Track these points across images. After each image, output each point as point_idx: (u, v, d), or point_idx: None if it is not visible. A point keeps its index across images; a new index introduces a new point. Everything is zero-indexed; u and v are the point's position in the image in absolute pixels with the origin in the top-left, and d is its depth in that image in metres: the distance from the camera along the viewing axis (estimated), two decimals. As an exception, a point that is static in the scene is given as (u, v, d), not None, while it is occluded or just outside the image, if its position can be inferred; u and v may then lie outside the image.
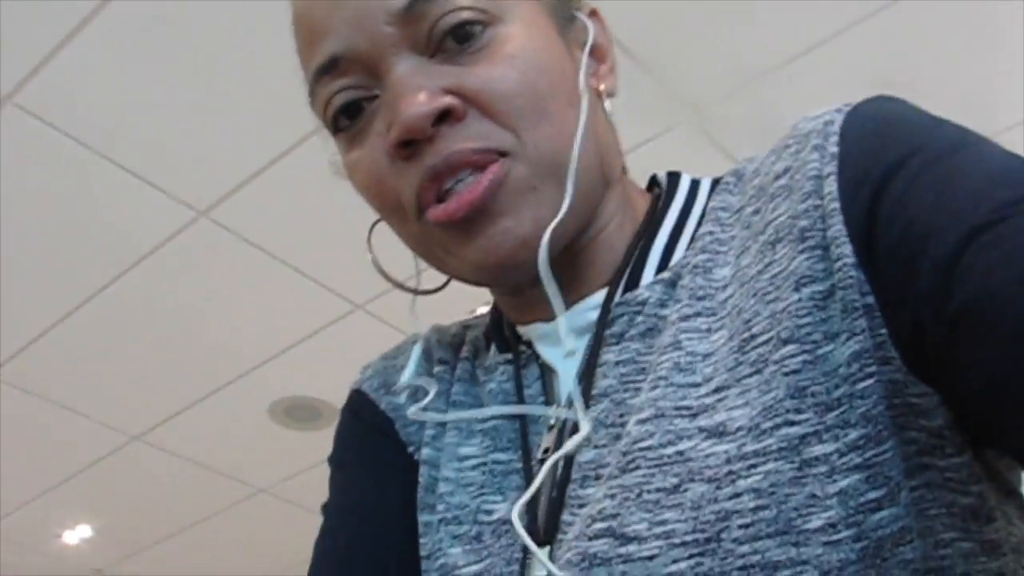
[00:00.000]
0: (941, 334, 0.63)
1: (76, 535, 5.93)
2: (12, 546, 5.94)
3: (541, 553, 0.76)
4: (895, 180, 0.69)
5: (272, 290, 3.91)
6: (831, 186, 0.72)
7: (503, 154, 0.77)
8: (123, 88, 3.02)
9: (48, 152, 3.26)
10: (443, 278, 0.92)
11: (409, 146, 0.77)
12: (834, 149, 0.74)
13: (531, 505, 0.81)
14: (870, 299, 0.68)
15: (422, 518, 0.90)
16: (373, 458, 0.98)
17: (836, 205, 0.71)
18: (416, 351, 0.96)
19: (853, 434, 0.68)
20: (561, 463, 0.81)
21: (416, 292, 0.95)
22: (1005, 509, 0.73)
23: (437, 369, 0.98)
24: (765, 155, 0.84)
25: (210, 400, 4.61)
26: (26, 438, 4.92)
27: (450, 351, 1.00)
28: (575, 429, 0.81)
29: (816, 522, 0.66)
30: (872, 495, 0.66)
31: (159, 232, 3.65)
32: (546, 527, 0.79)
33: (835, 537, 0.66)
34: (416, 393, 0.96)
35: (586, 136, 0.81)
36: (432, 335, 1.03)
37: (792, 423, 0.69)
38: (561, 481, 0.80)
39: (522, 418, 0.88)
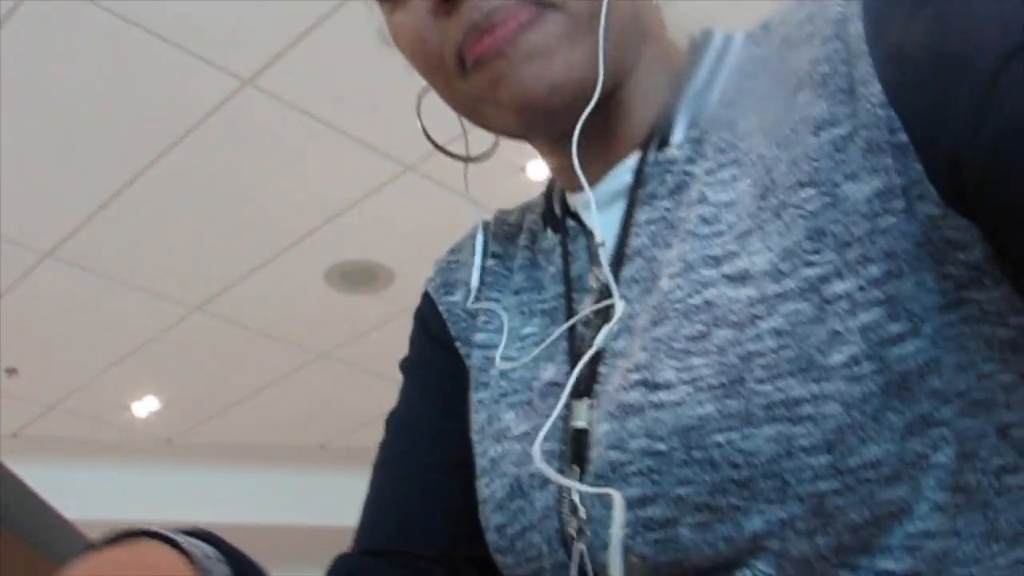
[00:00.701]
0: (980, 160, 0.62)
1: (144, 407, 6.06)
2: (85, 420, 6.09)
3: (581, 404, 0.80)
4: (921, 13, 0.67)
5: (322, 155, 3.90)
6: (856, 27, 0.71)
7: (543, 5, 0.77)
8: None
9: (89, 29, 3.24)
10: (490, 141, 0.94)
11: (451, 0, 0.77)
12: None
13: (575, 362, 0.83)
14: (902, 136, 0.67)
15: (476, 396, 0.94)
16: (434, 370, 1.02)
17: (863, 46, 0.70)
18: (478, 248, 1.00)
19: (874, 269, 0.68)
20: (598, 321, 0.83)
21: (467, 160, 0.96)
22: None
23: (490, 263, 1.00)
24: (791, 2, 0.84)
25: (266, 268, 4.65)
26: (88, 315, 5.00)
27: (506, 243, 1.02)
28: (607, 293, 0.82)
29: (837, 357, 0.66)
30: (894, 328, 0.67)
31: (206, 103, 3.64)
32: (586, 380, 0.80)
33: (856, 371, 0.66)
34: (475, 311, 1.00)
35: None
36: (491, 225, 1.04)
37: (811, 263, 0.69)
38: (591, 335, 0.82)
39: (567, 296, 0.90)
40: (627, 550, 0.73)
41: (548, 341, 0.88)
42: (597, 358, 0.80)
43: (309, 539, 5.99)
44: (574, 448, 0.79)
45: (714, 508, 0.69)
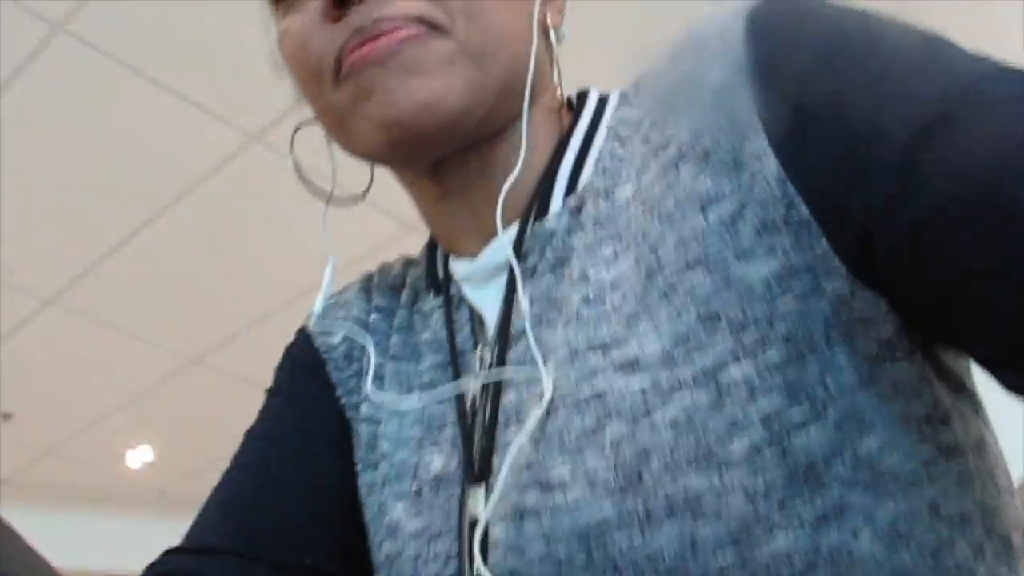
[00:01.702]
0: (898, 240, 0.59)
1: (138, 457, 6.04)
2: (79, 467, 6.06)
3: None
4: (821, 81, 0.63)
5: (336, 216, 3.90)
6: (742, 97, 0.66)
7: (433, 28, 0.74)
8: (175, 13, 3.01)
9: (100, 80, 3.26)
10: (362, 187, 0.94)
11: (342, 6, 0.74)
12: (739, 57, 0.67)
13: (467, 448, 0.79)
14: (802, 212, 0.63)
15: (365, 478, 0.88)
16: (302, 393, 0.96)
17: (752, 118, 0.65)
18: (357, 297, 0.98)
19: (773, 354, 0.64)
20: (488, 408, 0.78)
21: (329, 201, 0.96)
22: (959, 407, 0.70)
23: (373, 318, 0.95)
24: (662, 60, 0.78)
25: (266, 322, 4.65)
26: (86, 363, 5.00)
27: (390, 296, 0.97)
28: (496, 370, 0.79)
29: (738, 446, 0.63)
30: (795, 415, 0.63)
31: (213, 157, 3.66)
32: (480, 470, 0.76)
33: (758, 461, 0.62)
34: (351, 347, 0.96)
35: (518, 42, 0.79)
36: (376, 275, 1.01)
37: (704, 349, 0.65)
38: (489, 426, 0.77)
39: (455, 367, 0.84)
40: None
41: (435, 427, 0.84)
42: (489, 449, 0.76)
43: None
44: (469, 537, 0.74)
45: None
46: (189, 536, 0.89)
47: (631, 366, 0.68)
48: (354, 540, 0.88)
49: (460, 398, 0.82)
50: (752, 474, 0.62)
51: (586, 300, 0.73)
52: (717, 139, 0.67)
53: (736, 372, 0.64)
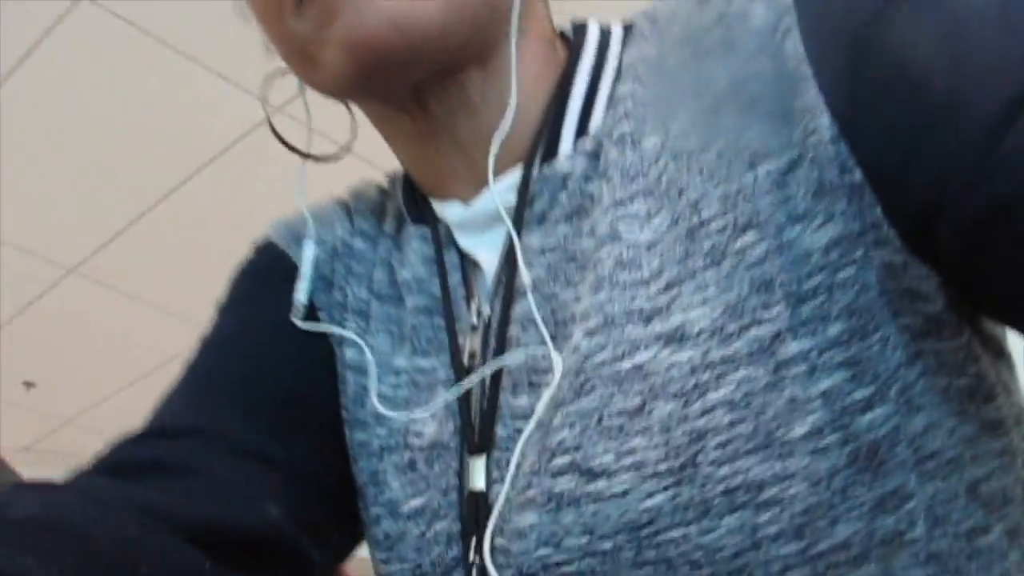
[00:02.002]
0: (971, 222, 0.55)
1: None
2: (100, 436, 6.07)
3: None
4: (883, 31, 0.58)
5: (348, 182, 3.90)
6: (793, 44, 0.61)
7: None
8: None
9: (124, 49, 3.25)
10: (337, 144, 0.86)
11: None
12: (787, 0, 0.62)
13: (464, 414, 0.72)
14: (856, 176, 0.59)
15: (354, 435, 0.79)
16: (278, 302, 0.83)
17: (804, 69, 0.60)
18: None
19: (834, 329, 0.59)
20: (489, 369, 0.71)
21: (308, 156, 0.88)
22: (1002, 377, 0.67)
23: (358, 243, 0.86)
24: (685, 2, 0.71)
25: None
26: (108, 332, 5.01)
27: (373, 221, 0.87)
28: (501, 330, 0.71)
29: (799, 430, 0.58)
30: (859, 394, 0.59)
31: (236, 127, 3.65)
32: (481, 439, 0.70)
33: (821, 444, 0.58)
34: (332, 271, 0.85)
35: None
36: (352, 201, 0.91)
37: (760, 322, 0.60)
38: (491, 390, 0.71)
39: (446, 316, 0.76)
40: None
41: (424, 387, 0.76)
42: (492, 414, 0.70)
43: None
44: (473, 517, 0.69)
45: None
46: (151, 421, 0.78)
47: (677, 339, 0.61)
48: (338, 459, 0.80)
49: (455, 354, 0.74)
50: (814, 459, 0.58)
51: (620, 262, 0.66)
52: (764, 87, 0.62)
53: (794, 347, 0.59)
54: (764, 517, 0.58)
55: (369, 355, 0.78)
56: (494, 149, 0.70)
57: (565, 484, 0.62)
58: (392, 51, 0.65)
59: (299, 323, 0.80)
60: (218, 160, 3.81)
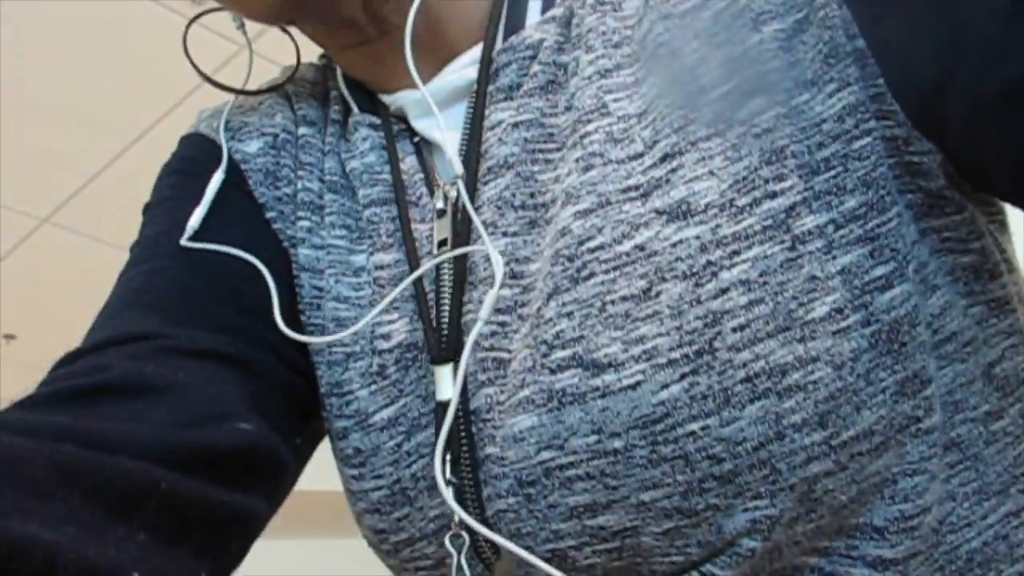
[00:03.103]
0: (986, 100, 0.52)
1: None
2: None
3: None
4: None
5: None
6: None
7: None
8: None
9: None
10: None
11: None
12: None
13: (423, 313, 0.67)
14: (859, 43, 0.56)
15: (312, 344, 0.74)
16: (217, 198, 0.76)
17: None
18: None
19: (851, 201, 0.56)
20: (453, 267, 0.67)
21: (241, 91, 0.79)
22: (1007, 255, 0.64)
23: (304, 131, 0.78)
24: None
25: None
26: (86, 280, 4.98)
27: (316, 106, 0.80)
28: (465, 217, 0.66)
29: (820, 310, 0.55)
30: (879, 271, 0.56)
31: (205, 67, 3.61)
32: (449, 340, 0.65)
33: (843, 324, 0.55)
34: (277, 164, 0.78)
35: None
36: (292, 86, 0.83)
37: (774, 194, 0.56)
38: (455, 288, 0.66)
39: (399, 203, 0.71)
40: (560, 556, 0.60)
41: (386, 282, 0.70)
42: (458, 308, 0.66)
43: (307, 504, 6.00)
44: (456, 430, 0.64)
45: (688, 512, 0.56)
46: (92, 336, 0.70)
47: (681, 214, 0.58)
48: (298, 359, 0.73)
49: (408, 244, 0.70)
50: (837, 340, 0.55)
51: (610, 137, 0.61)
52: None
53: (810, 221, 0.56)
54: (787, 404, 0.54)
55: (322, 253, 0.73)
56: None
57: (568, 380, 0.58)
58: None
59: (186, 243, 0.73)
60: (188, 100, 3.77)
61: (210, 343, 0.67)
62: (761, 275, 0.55)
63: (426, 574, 0.67)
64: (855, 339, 0.55)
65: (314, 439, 0.74)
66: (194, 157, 0.81)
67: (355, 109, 0.75)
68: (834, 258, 0.56)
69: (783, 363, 0.54)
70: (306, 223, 0.75)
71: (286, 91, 0.82)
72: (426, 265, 0.65)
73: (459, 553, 0.63)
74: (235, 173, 0.78)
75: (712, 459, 0.55)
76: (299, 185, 0.76)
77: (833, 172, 0.56)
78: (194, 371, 0.64)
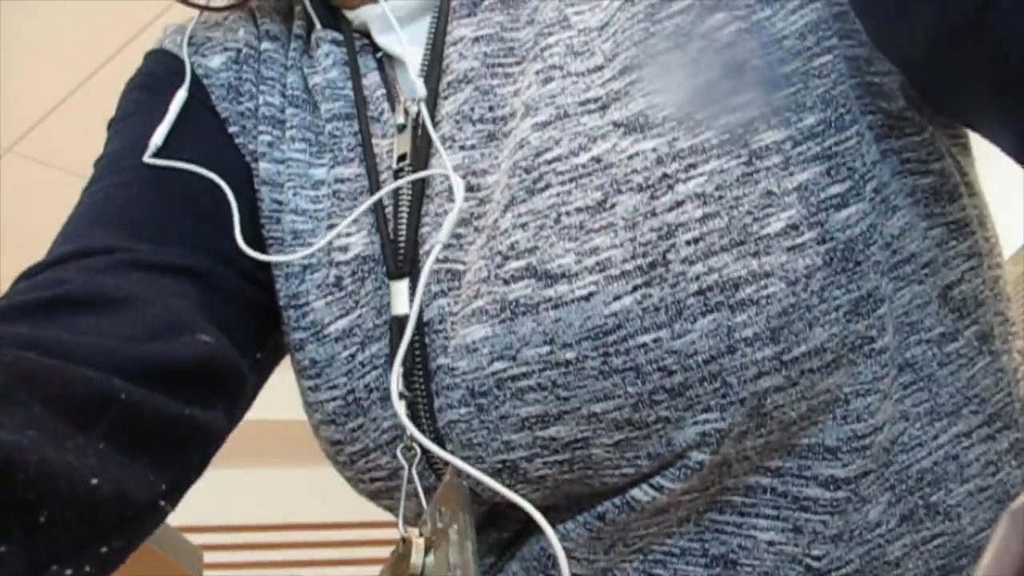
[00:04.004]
0: (948, 25, 0.53)
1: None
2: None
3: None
4: None
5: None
6: None
7: None
8: None
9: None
10: None
11: None
12: None
13: (382, 225, 0.69)
14: None
15: (271, 254, 0.75)
16: (177, 113, 0.79)
17: None
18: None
19: (809, 119, 0.57)
20: (410, 168, 0.68)
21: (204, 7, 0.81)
22: (968, 178, 0.66)
23: (266, 46, 0.80)
24: None
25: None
26: (51, 210, 4.94)
27: (279, 21, 0.81)
28: (425, 133, 0.68)
29: (775, 225, 0.56)
30: (835, 189, 0.57)
31: (166, -7, 3.56)
32: (404, 255, 0.67)
33: (798, 240, 0.57)
34: (239, 78, 0.79)
35: None
36: (254, 1, 0.84)
37: (733, 109, 0.57)
38: (414, 201, 0.68)
39: (360, 118, 0.73)
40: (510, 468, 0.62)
41: (346, 196, 0.71)
42: (415, 224, 0.67)
43: (279, 433, 6.00)
44: (409, 350, 0.65)
45: (639, 424, 0.58)
46: (54, 249, 0.73)
47: (638, 127, 0.59)
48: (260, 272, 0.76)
49: (369, 159, 0.72)
50: (791, 256, 0.56)
51: (571, 50, 0.63)
52: None
53: (768, 137, 0.57)
54: (740, 318, 0.56)
55: (282, 167, 0.74)
56: None
57: (521, 291, 0.59)
58: None
59: (148, 160, 0.75)
60: (151, 26, 3.72)
61: (169, 257, 0.69)
62: (717, 189, 0.57)
63: (381, 484, 0.68)
64: (809, 256, 0.57)
65: (275, 355, 0.76)
66: (158, 73, 0.84)
67: (318, 25, 0.77)
68: (791, 174, 0.57)
69: (736, 277, 0.56)
70: (267, 137, 0.76)
71: (250, 6, 0.83)
72: (388, 187, 0.67)
73: (410, 465, 0.64)
74: (198, 88, 0.80)
75: (663, 371, 0.56)
76: (260, 100, 0.77)
77: (793, 88, 0.57)
78: (153, 284, 0.66)
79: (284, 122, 0.76)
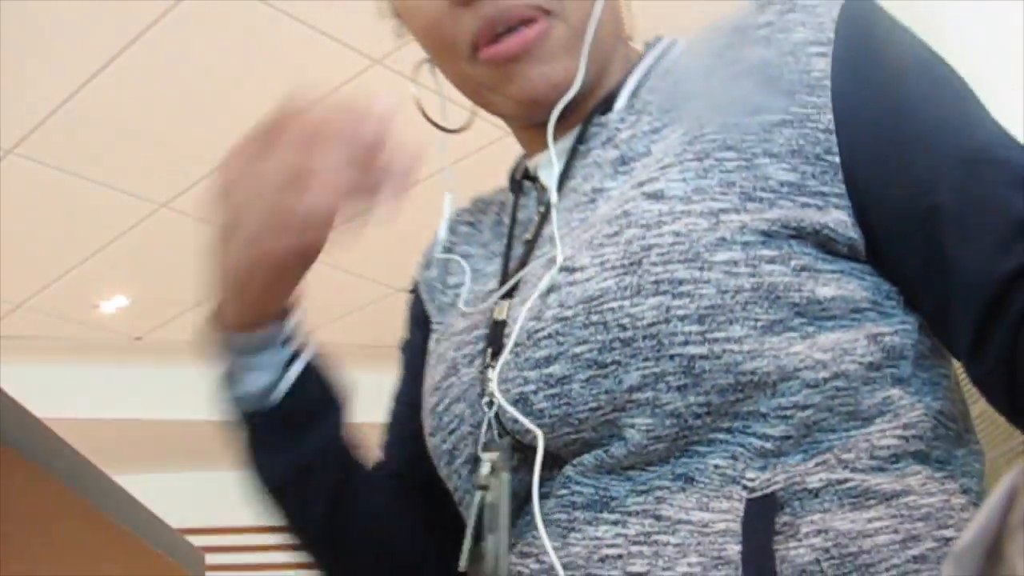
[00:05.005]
0: (916, 216, 0.82)
1: (113, 305, 6.02)
2: (52, 318, 6.05)
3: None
4: (891, 90, 0.85)
5: (284, 46, 3.90)
6: (823, 63, 0.86)
7: (547, 13, 0.94)
8: None
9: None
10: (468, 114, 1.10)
11: None
12: (828, 33, 0.87)
13: (506, 275, 1.01)
14: (835, 160, 0.84)
15: (435, 323, 1.10)
16: (416, 349, 1.15)
17: (827, 83, 0.85)
18: (446, 210, 1.15)
19: (772, 213, 0.83)
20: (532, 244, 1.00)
21: (447, 130, 1.09)
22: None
23: (463, 228, 1.16)
24: (746, 6, 0.96)
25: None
26: (54, 212, 4.95)
27: (479, 214, 1.17)
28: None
29: (721, 256, 0.82)
30: (768, 252, 0.82)
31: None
32: (511, 288, 0.97)
33: (734, 270, 0.81)
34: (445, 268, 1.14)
35: (604, 11, 0.98)
36: (469, 204, 1.20)
37: (716, 199, 0.84)
38: (526, 251, 0.99)
39: (512, 227, 1.06)
40: (526, 404, 0.88)
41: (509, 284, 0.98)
42: (526, 258, 0.98)
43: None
44: (493, 334, 0.95)
45: (601, 364, 0.83)
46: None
47: (655, 196, 0.87)
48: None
49: (512, 245, 1.05)
50: (726, 276, 0.81)
51: (645, 164, 0.92)
52: (785, 74, 0.87)
53: (735, 218, 0.83)
54: (677, 303, 0.81)
55: (467, 268, 1.09)
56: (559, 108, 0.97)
57: (556, 280, 0.89)
58: (550, 103, 0.96)
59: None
60: (154, 27, 3.73)
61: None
62: (689, 231, 0.83)
63: (455, 436, 0.97)
64: (741, 280, 0.81)
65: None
66: (410, 303, 1.21)
67: (511, 195, 1.11)
68: (743, 234, 0.83)
69: (681, 278, 0.81)
70: (458, 270, 1.13)
71: (461, 212, 1.21)
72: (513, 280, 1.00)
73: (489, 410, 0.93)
74: (419, 308, 1.18)
75: (620, 327, 0.82)
76: (453, 256, 1.14)
77: (761, 204, 0.84)
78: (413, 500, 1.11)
79: (475, 256, 1.12)
